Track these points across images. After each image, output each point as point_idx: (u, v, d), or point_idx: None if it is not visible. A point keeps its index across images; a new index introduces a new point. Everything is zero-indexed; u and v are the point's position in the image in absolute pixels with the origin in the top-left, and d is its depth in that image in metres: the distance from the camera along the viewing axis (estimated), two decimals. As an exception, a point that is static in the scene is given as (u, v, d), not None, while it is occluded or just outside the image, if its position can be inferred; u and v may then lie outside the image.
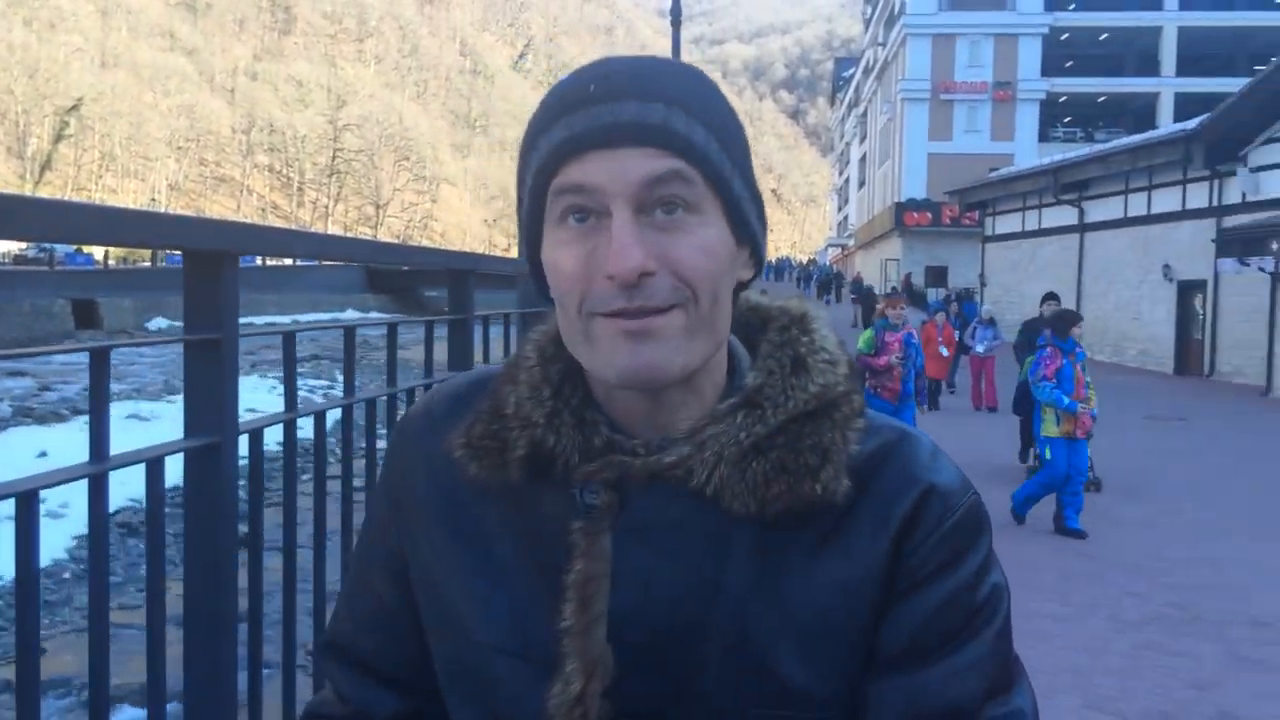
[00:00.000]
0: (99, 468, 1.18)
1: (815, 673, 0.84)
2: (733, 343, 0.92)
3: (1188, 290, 24.06)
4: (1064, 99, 48.48)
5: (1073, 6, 46.39)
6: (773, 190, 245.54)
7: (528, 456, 0.88)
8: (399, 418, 1.03)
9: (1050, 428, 7.89)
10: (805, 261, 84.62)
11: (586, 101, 0.82)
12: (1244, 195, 21.71)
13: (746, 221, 0.86)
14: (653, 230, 0.81)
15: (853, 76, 77.81)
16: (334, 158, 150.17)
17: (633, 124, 0.81)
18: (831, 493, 0.83)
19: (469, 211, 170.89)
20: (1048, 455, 7.88)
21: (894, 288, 13.84)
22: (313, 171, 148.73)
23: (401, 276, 62.12)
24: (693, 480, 0.84)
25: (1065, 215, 29.17)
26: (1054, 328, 8.24)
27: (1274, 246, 18.43)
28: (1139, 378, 22.57)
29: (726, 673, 0.84)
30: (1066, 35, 46.79)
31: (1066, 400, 7.74)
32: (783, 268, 76.61)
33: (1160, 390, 20.00)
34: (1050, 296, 11.32)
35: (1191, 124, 22.97)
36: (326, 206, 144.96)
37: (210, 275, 1.38)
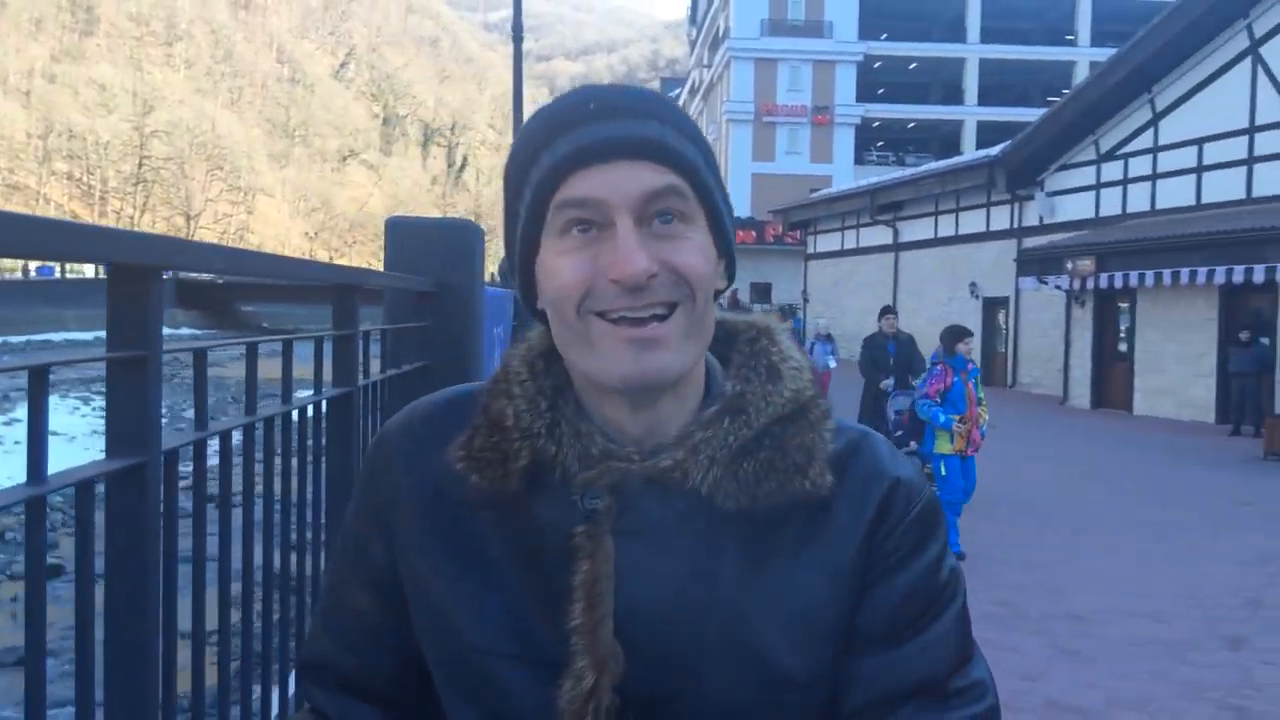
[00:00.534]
0: (38, 490, 1.13)
1: (803, 657, 0.90)
2: (706, 355, 0.97)
3: (992, 306, 25.68)
4: (877, 124, 51.02)
5: (884, 36, 48.87)
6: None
7: (528, 466, 0.91)
8: (377, 435, 1.04)
9: (944, 445, 7.78)
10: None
11: (587, 119, 0.87)
12: (1041, 218, 23.38)
13: (725, 233, 0.93)
14: (652, 238, 0.87)
15: (679, 97, 79.62)
16: (140, 165, 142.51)
17: (633, 140, 0.86)
18: (819, 487, 0.90)
19: (288, 224, 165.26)
20: (943, 472, 7.77)
21: (782, 306, 13.60)
22: (117, 180, 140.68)
23: (215, 290, 59.43)
24: (688, 482, 0.90)
25: (881, 235, 30.68)
26: (944, 344, 8.09)
27: (1068, 266, 19.90)
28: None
29: (723, 660, 0.89)
30: (879, 64, 49.26)
31: (942, 417, 7.67)
32: None
33: (970, 400, 21.29)
34: (887, 310, 11.48)
35: (994, 151, 24.60)
36: (132, 216, 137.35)
37: (138, 291, 1.33)
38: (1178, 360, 18.78)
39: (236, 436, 1.83)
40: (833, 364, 15.01)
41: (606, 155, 0.86)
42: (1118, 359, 20.52)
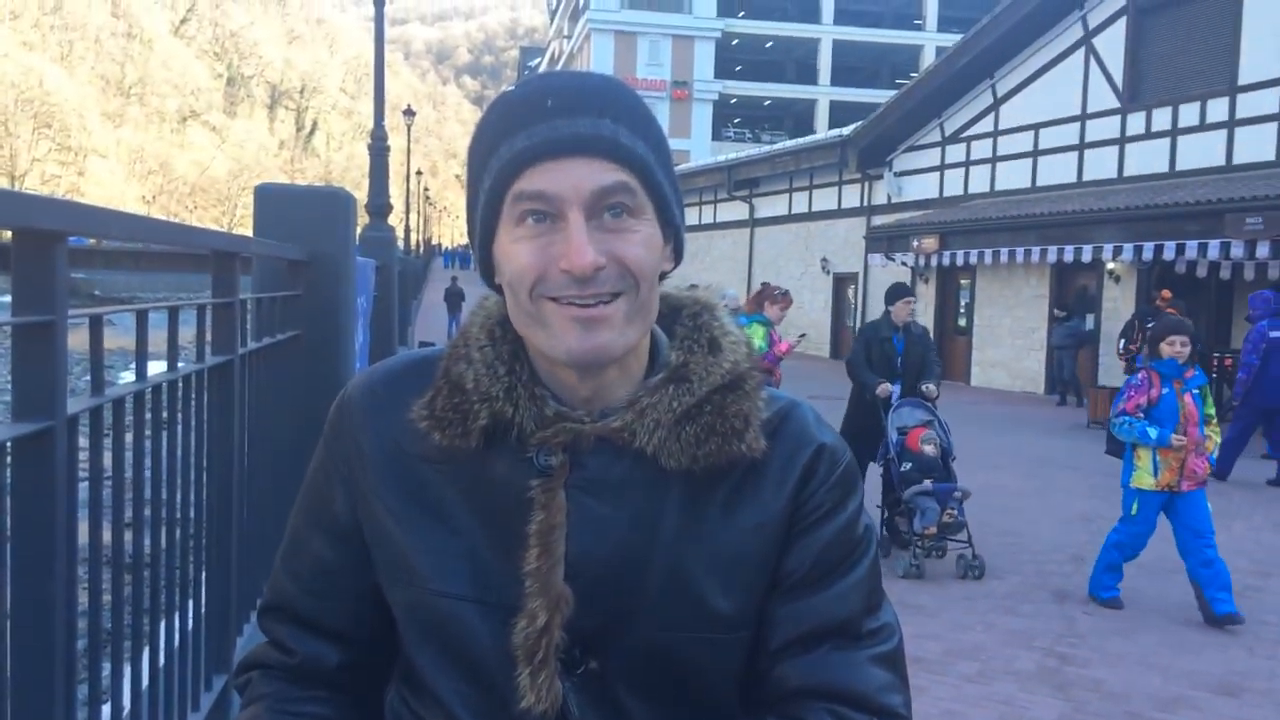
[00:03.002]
0: (-43, 452, 1.14)
1: (733, 599, 1.02)
2: (653, 328, 1.07)
3: (842, 282, 26.55)
4: (735, 100, 51.76)
5: (742, 14, 49.58)
6: (456, 176, 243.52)
7: (487, 426, 1.00)
8: (338, 397, 1.11)
9: (1144, 477, 5.90)
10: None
11: (545, 115, 0.95)
12: (889, 197, 24.27)
13: (672, 220, 1.03)
14: (601, 231, 0.96)
15: (538, 66, 78.89)
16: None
17: (588, 137, 0.95)
18: (754, 450, 1.02)
19: (122, 187, 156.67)
20: (1133, 511, 5.98)
21: (780, 289, 8.57)
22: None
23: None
24: (635, 442, 1.00)
25: (738, 210, 31.24)
26: (1149, 345, 6.08)
27: (914, 244, 20.76)
28: (802, 361, 24.66)
29: (663, 602, 1.00)
30: (737, 41, 49.97)
31: (1154, 432, 5.79)
32: (465, 255, 76.26)
33: (820, 372, 22.00)
34: (900, 292, 7.63)
35: (846, 130, 25.34)
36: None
37: (43, 256, 1.35)
38: (1012, 334, 19.90)
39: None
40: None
41: (561, 152, 0.94)
42: (958, 333, 21.55)
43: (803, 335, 9.09)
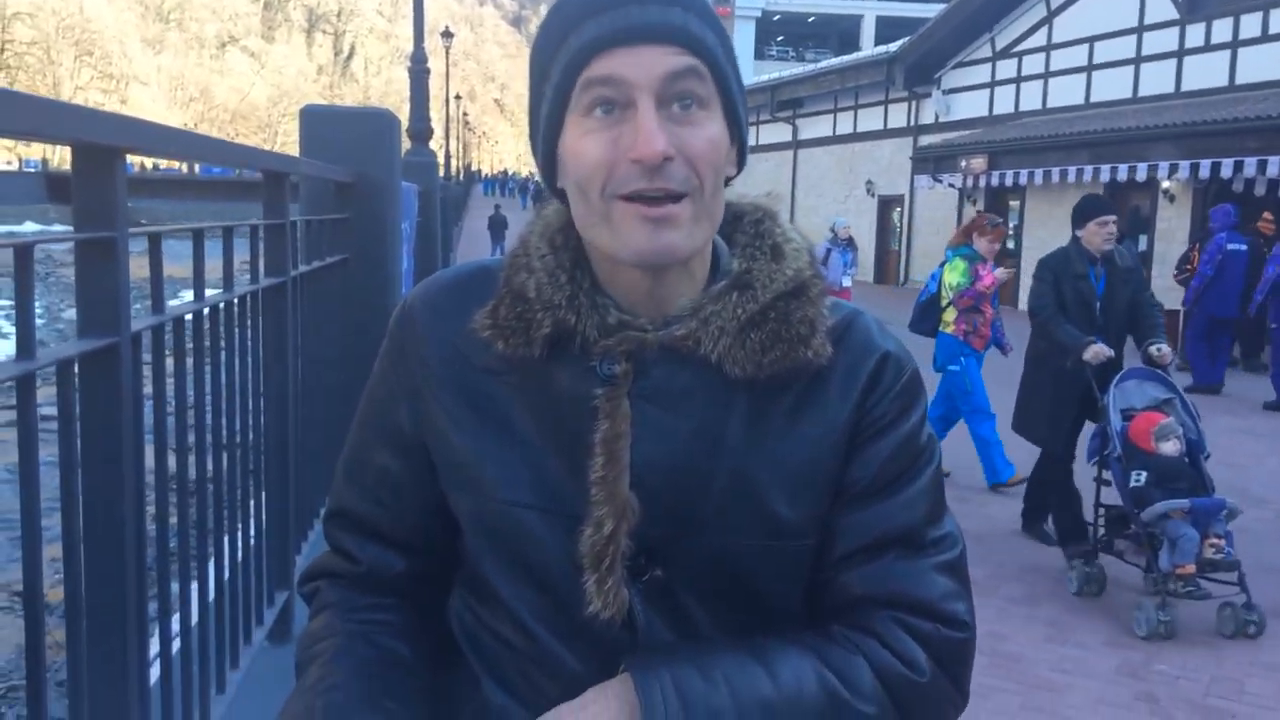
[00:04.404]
0: (28, 367, 1.15)
1: (797, 508, 1.01)
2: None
3: (887, 205, 26.16)
4: (778, 17, 50.58)
5: (785, -72, 48.21)
6: (495, 101, 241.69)
7: (550, 335, 0.99)
8: (398, 309, 1.10)
9: None
10: (527, 175, 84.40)
11: (614, 4, 0.92)
12: (937, 116, 23.75)
13: (739, 120, 1.00)
14: (670, 122, 0.93)
15: (576, -14, 77.34)
16: (2, 51, 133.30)
17: (658, 24, 0.92)
18: (821, 357, 1.00)
19: (164, 114, 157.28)
20: None
21: (994, 219, 6.99)
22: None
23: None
24: (699, 350, 0.99)
25: (780, 132, 30.77)
26: None
27: (962, 164, 20.36)
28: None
29: (727, 510, 1.00)
30: (780, -44, 48.68)
31: None
32: (505, 182, 76.04)
33: (864, 297, 21.82)
34: (1094, 207, 5.38)
35: (893, 47, 24.74)
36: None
37: (103, 172, 1.34)
38: (1062, 256, 19.53)
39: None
40: (848, 281, 11.83)
41: (632, 38, 0.92)
42: (1006, 255, 21.20)
43: (1011, 267, 7.60)
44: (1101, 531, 4.97)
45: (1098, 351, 4.98)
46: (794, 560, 1.03)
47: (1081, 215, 5.38)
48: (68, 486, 1.32)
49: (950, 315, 6.88)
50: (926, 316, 7.06)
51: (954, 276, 6.78)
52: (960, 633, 1.01)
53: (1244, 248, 11.22)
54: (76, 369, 1.35)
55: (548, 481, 1.01)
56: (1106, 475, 4.98)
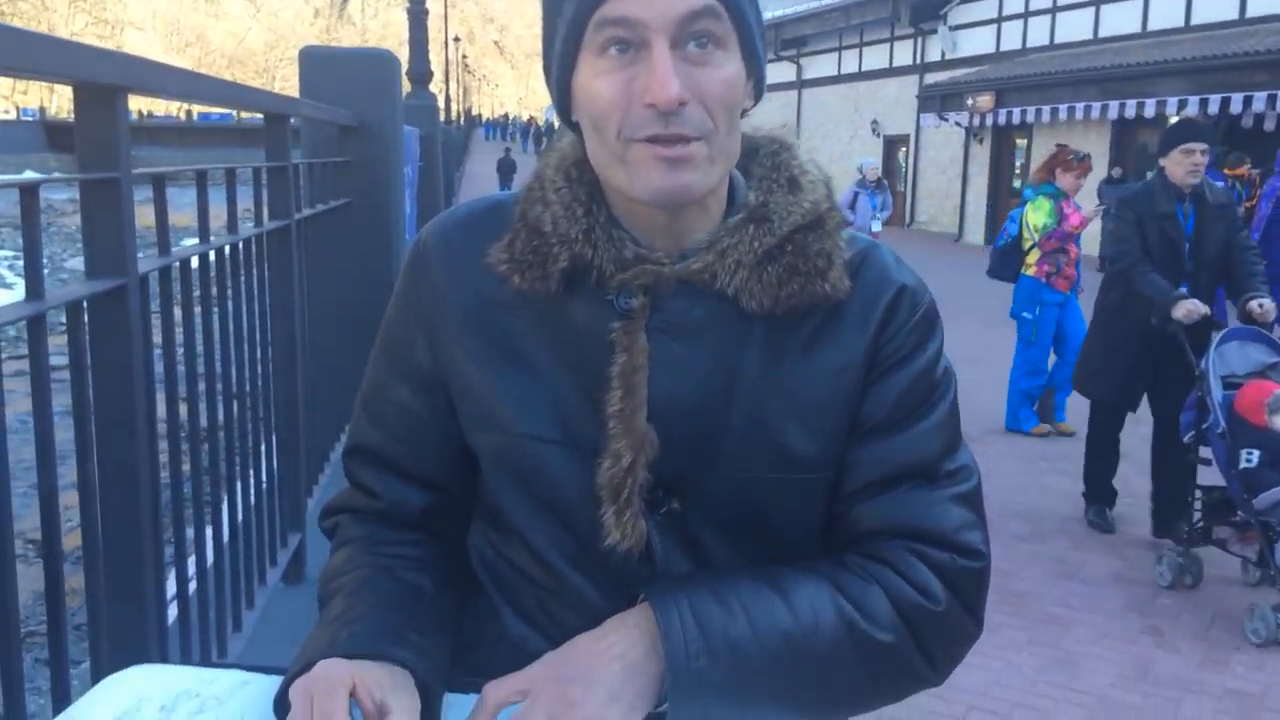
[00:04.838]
0: (39, 308, 1.15)
1: (814, 442, 1.01)
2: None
3: (893, 144, 25.93)
4: (780, -45, 49.78)
5: None
6: (495, 43, 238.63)
7: (567, 269, 0.98)
8: (413, 245, 1.09)
9: None
10: (529, 119, 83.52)
11: None
12: (943, 53, 23.44)
13: (757, 55, 0.98)
14: (686, 64, 0.91)
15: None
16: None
17: None
18: (838, 290, 0.99)
19: (160, 60, 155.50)
20: None
21: (1078, 153, 6.15)
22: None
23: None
24: (716, 283, 0.98)
25: (784, 72, 30.40)
26: None
27: (969, 102, 20.13)
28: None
29: (744, 444, 1.00)
30: (782, -110, 47.70)
31: None
32: (506, 126, 75.33)
33: (870, 238, 21.69)
34: (1181, 133, 4.55)
35: (899, -18, 24.34)
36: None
37: (105, 111, 1.33)
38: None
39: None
40: (877, 227, 10.88)
41: None
42: (1012, 195, 21.05)
43: (1101, 205, 7.03)
44: (1198, 517, 4.28)
45: (1191, 310, 4.25)
46: (810, 493, 1.03)
47: (1166, 143, 4.60)
48: (81, 427, 1.32)
49: (1033, 257, 6.47)
50: (1007, 261, 6.65)
51: (1039, 217, 6.33)
52: (975, 562, 1.01)
53: None
54: (86, 311, 1.35)
55: (565, 415, 1.01)
56: (1205, 453, 4.25)
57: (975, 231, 21.77)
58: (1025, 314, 6.56)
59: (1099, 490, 5.14)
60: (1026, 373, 6.68)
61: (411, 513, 1.11)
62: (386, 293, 1.10)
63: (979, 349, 9.69)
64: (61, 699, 1.39)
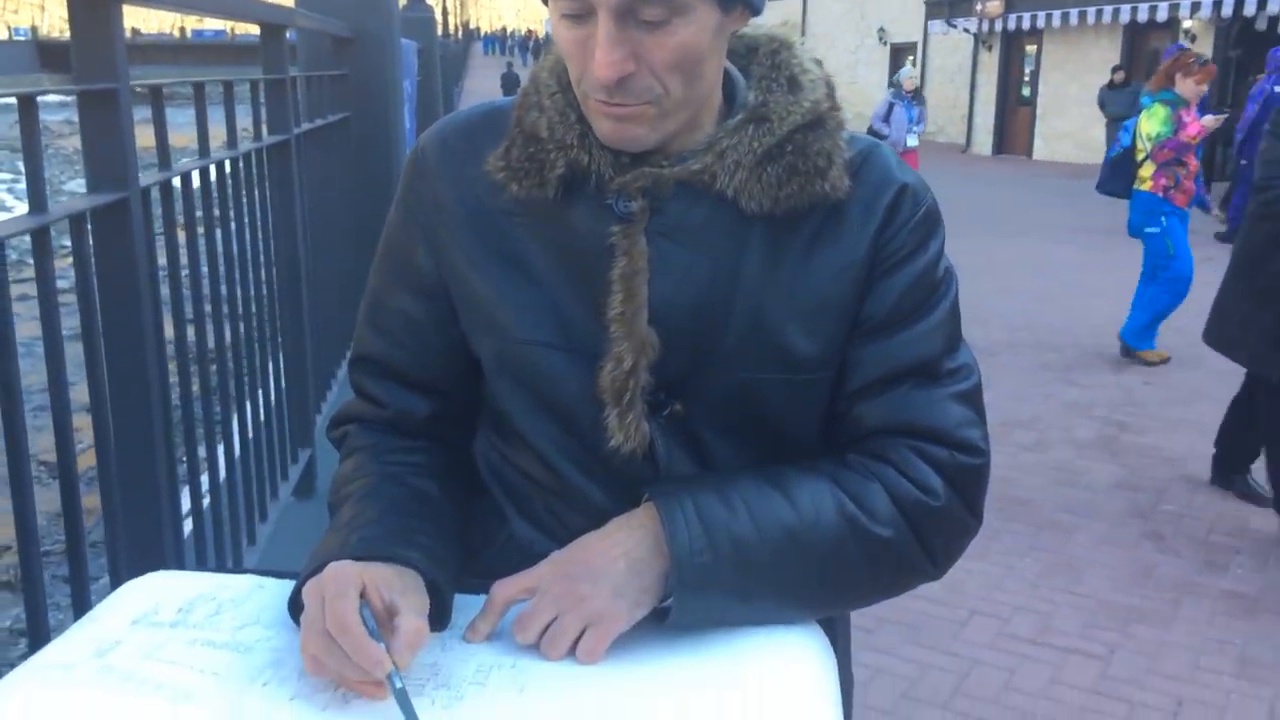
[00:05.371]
0: (41, 220, 1.15)
1: (815, 342, 1.01)
2: (727, 67, 1.03)
3: (900, 53, 25.41)
4: None
5: None
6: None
7: (564, 175, 0.98)
8: (411, 153, 1.08)
9: None
10: (527, 32, 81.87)
11: None
12: (952, -42, 22.84)
13: None
14: (637, 30, 0.90)
15: None
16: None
17: None
18: (838, 190, 0.99)
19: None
20: None
21: (1199, 56, 5.66)
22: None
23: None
24: (715, 185, 0.98)
25: (789, -21, 29.70)
26: None
27: (977, 7, 19.69)
28: (857, 139, 24.00)
29: (745, 345, 1.00)
30: None
31: None
32: (504, 39, 73.93)
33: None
34: None
35: (906, -115, 23.62)
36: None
37: (101, 22, 1.31)
38: (1079, 103, 19.05)
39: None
40: (914, 141, 10.27)
41: None
42: (1021, 103, 20.72)
43: (1224, 114, 6.60)
44: None
45: None
46: (811, 393, 1.04)
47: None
48: (90, 342, 1.33)
49: (1148, 170, 6.02)
50: (1119, 173, 6.21)
51: (1153, 125, 5.90)
52: (975, 458, 1.02)
53: None
54: (89, 225, 1.35)
55: (567, 320, 1.02)
56: None
57: (983, 142, 21.48)
58: (1150, 228, 6.06)
59: None
60: (1171, 288, 6.08)
61: (417, 420, 1.12)
62: (387, 208, 1.10)
63: (983, 261, 9.67)
64: (82, 612, 1.43)
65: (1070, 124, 19.35)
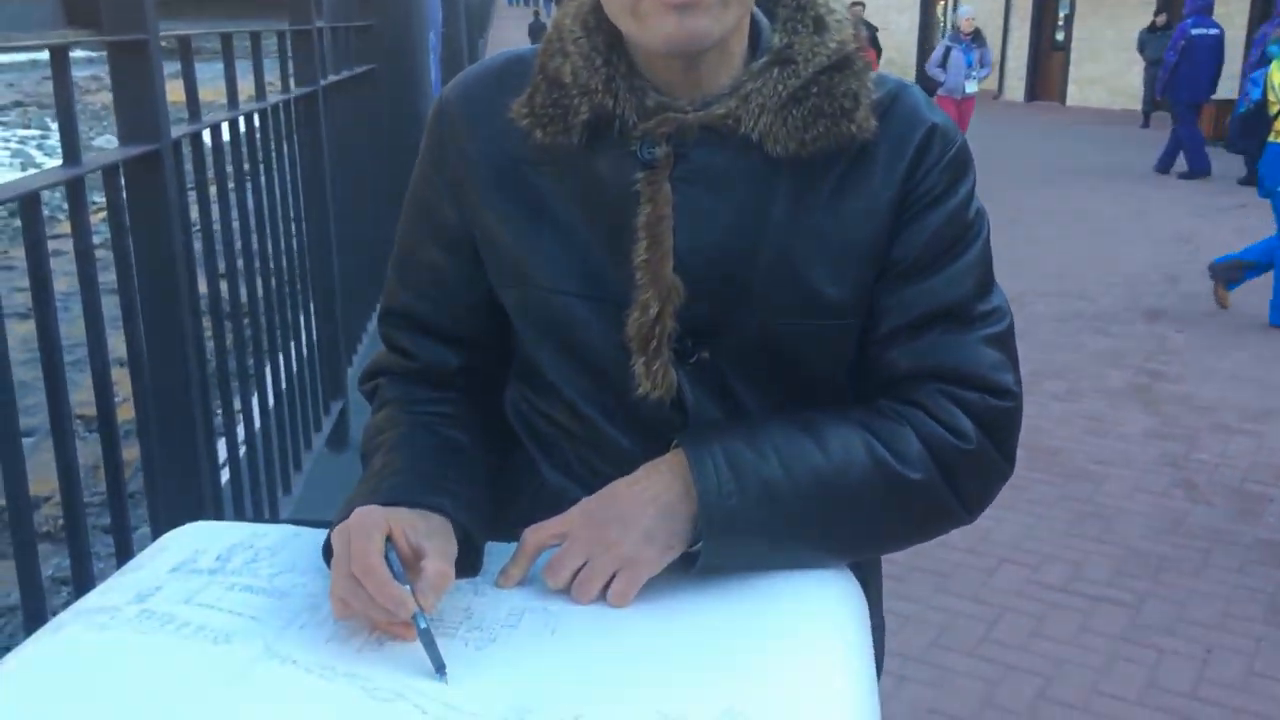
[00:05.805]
0: (75, 172, 1.15)
1: (842, 287, 1.01)
2: (753, 11, 1.01)
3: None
4: None
5: None
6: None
7: (588, 121, 0.97)
8: (434, 104, 1.08)
9: None
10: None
11: None
12: (985, -101, 22.29)
13: None
14: None
15: None
16: None
17: None
18: (865, 131, 0.97)
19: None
20: None
21: None
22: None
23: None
24: (740, 129, 0.96)
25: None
26: None
27: (1011, -49, 19.24)
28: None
29: (771, 291, 1.00)
30: None
31: None
32: None
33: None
34: None
35: None
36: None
37: (128, -29, 1.31)
38: (1114, 47, 18.65)
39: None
40: (973, 87, 9.62)
41: None
42: (1054, 48, 20.30)
43: None
44: None
45: None
46: (839, 339, 1.03)
47: None
48: (126, 293, 1.34)
49: None
50: (1250, 129, 5.94)
51: None
52: (1007, 401, 1.02)
53: (1214, 32, 11.19)
54: (122, 177, 1.36)
55: (592, 268, 1.01)
56: None
57: (1015, 88, 21.10)
58: None
59: None
60: None
61: (447, 372, 1.13)
62: (414, 160, 1.10)
63: (1013, 209, 9.55)
64: (125, 560, 1.46)
65: (1105, 69, 18.97)
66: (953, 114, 9.01)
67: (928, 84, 9.79)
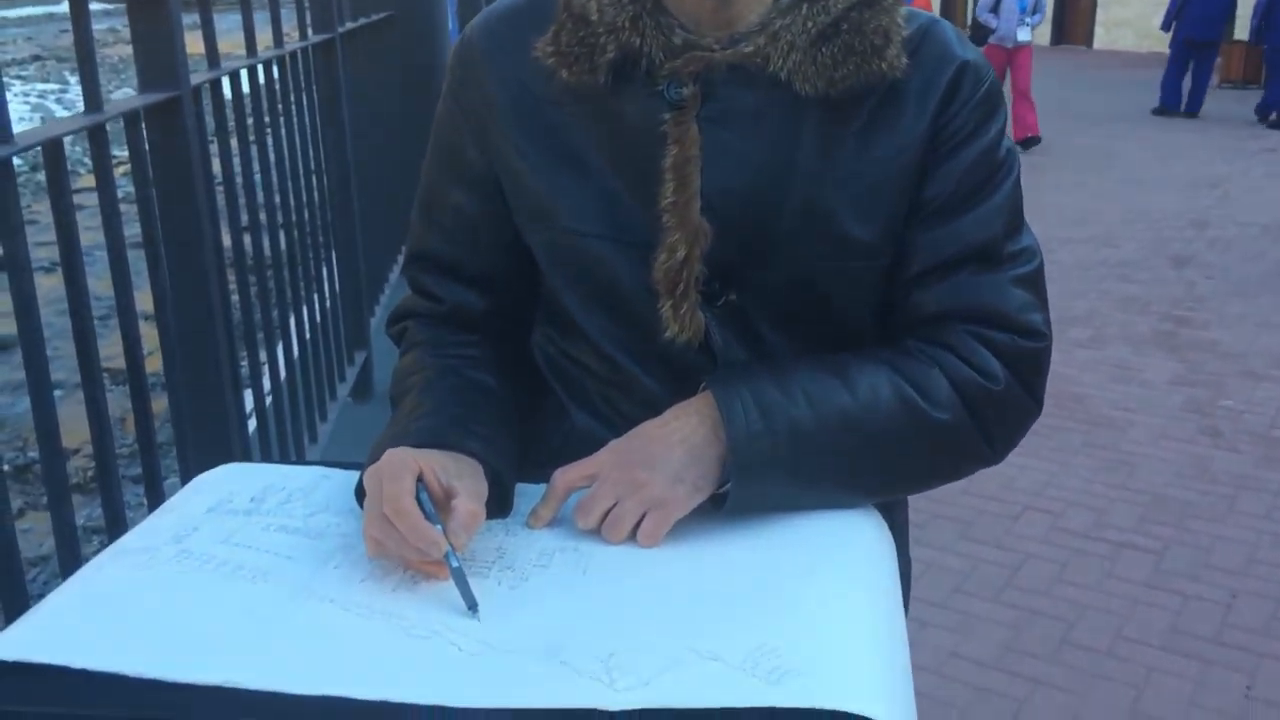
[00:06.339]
0: (96, 119, 1.15)
1: (872, 228, 1.00)
2: None
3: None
4: None
5: None
6: None
7: (614, 60, 0.96)
8: (457, 43, 1.06)
9: None
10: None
11: None
12: None
13: None
14: None
15: None
16: None
17: None
18: (896, 69, 0.95)
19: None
20: None
21: None
22: None
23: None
24: (769, 67, 0.95)
25: None
26: None
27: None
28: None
29: (800, 232, 0.99)
30: None
31: None
32: None
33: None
34: None
35: None
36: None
37: (145, -84, 1.30)
38: (1142, -12, 18.29)
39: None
40: (1026, 35, 8.99)
41: None
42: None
43: None
44: None
45: None
46: (868, 280, 1.02)
47: None
48: (151, 241, 1.35)
49: None
50: None
51: None
52: (1036, 342, 1.01)
53: None
54: (143, 125, 1.35)
55: (619, 210, 1.00)
56: None
57: (1042, 31, 20.66)
58: None
59: None
60: None
61: (474, 315, 1.12)
62: (434, 106, 1.09)
63: (1039, 155, 9.42)
64: (156, 505, 1.48)
65: (1132, 12, 18.59)
66: (1002, 64, 8.70)
67: (979, 31, 9.34)
